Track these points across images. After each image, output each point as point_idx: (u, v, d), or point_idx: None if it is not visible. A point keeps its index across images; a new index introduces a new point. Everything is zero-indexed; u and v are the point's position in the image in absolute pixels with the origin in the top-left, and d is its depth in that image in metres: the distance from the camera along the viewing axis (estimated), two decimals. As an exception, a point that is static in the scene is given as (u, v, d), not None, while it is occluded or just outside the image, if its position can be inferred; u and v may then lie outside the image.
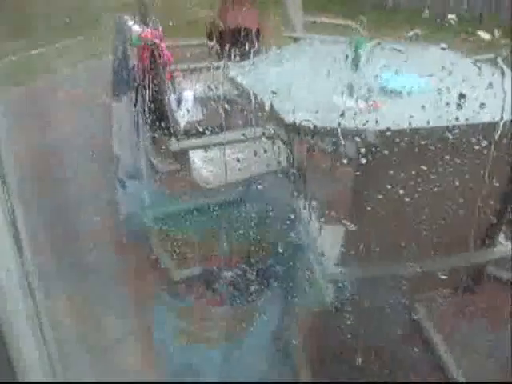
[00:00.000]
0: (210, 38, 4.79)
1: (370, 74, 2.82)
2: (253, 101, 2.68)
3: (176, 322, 2.35)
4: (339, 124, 2.17)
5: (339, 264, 1.68)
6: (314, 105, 2.55)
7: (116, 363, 2.23)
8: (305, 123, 2.41)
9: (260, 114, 2.62)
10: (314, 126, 2.35)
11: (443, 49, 3.52)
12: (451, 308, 2.08)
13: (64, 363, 1.64)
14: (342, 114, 2.43)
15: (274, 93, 2.67)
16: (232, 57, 2.97)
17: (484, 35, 4.41)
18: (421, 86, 2.70)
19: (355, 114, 2.50)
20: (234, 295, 2.46)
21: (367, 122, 2.37)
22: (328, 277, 1.67)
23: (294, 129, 2.44)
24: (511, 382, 1.90)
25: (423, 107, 2.45)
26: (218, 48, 3.80)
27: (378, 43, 2.80)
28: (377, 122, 2.23)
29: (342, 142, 3.14)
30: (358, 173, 1.62)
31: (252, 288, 2.48)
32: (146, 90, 2.27)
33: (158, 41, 2.18)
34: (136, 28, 2.19)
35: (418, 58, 3.24)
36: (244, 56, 3.22)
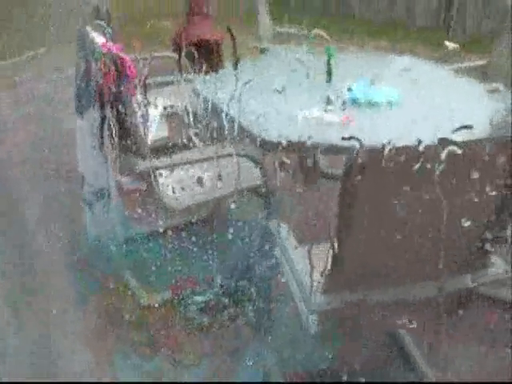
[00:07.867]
0: (175, 50, 4.68)
1: (342, 85, 2.71)
2: (223, 117, 2.57)
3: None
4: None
5: (324, 292, 1.57)
6: (288, 120, 2.44)
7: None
8: (279, 139, 2.30)
9: (231, 130, 2.51)
10: (289, 143, 2.25)
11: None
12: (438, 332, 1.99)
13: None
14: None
15: (243, 107, 2.56)
16: (198, 70, 2.87)
17: (451, 45, 4.36)
18: (395, 99, 2.61)
19: (330, 129, 2.41)
20: (204, 321, 2.35)
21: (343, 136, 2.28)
22: (312, 306, 1.55)
23: (268, 145, 2.33)
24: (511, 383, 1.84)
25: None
26: (186, 61, 3.69)
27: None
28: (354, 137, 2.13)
29: (319, 158, 3.05)
30: (339, 191, 1.51)
31: (225, 314, 2.36)
32: (110, 106, 2.14)
33: (121, 53, 2.05)
34: (99, 40, 2.06)
35: (386, 68, 3.17)
36: (211, 68, 3.10)
